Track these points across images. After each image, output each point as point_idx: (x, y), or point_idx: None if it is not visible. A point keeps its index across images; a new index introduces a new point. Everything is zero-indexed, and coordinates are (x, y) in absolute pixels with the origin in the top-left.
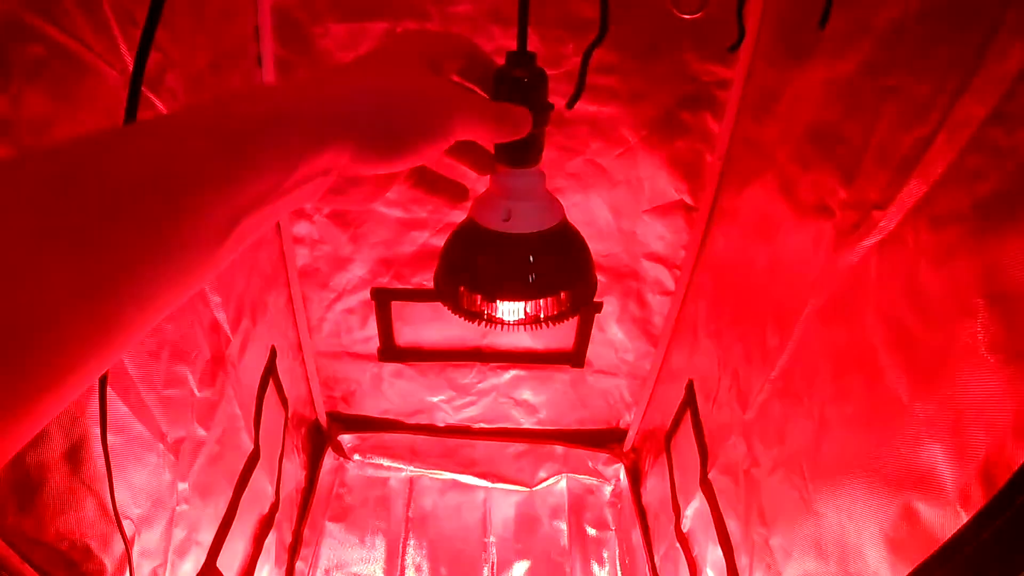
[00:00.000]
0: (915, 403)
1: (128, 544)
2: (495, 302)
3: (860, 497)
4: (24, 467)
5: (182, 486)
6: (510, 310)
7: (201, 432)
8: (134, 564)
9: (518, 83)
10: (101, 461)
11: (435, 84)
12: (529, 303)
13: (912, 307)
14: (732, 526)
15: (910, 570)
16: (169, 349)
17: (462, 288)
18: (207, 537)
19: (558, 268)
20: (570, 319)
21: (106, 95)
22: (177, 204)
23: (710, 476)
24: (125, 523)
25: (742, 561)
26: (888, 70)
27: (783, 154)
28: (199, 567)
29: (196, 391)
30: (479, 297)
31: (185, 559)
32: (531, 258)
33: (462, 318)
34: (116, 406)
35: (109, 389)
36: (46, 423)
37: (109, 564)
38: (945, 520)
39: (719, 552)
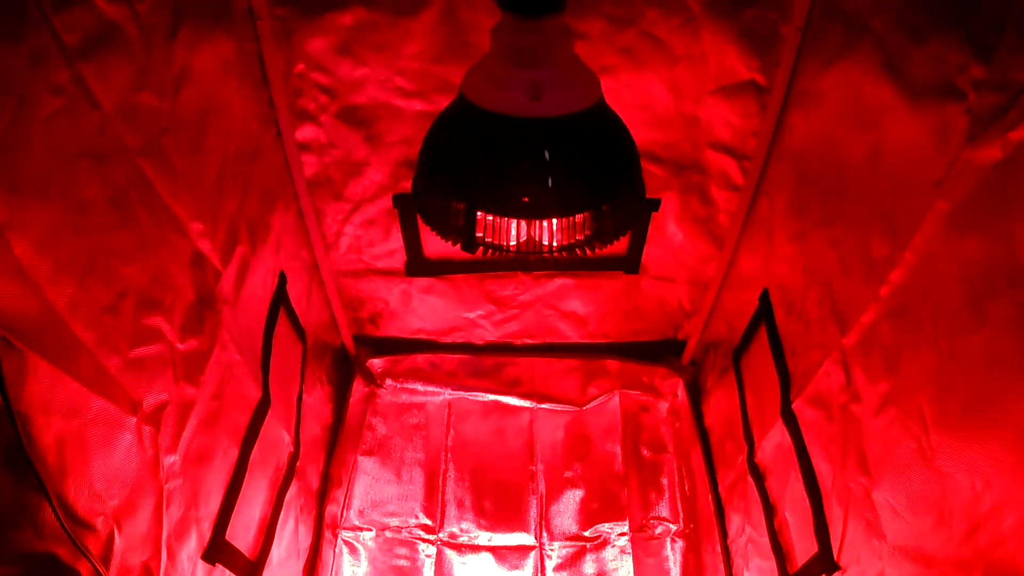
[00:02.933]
0: None
1: (86, 550)
2: (506, 221)
3: (1006, 462)
4: None
5: (170, 459)
6: (534, 232)
7: (189, 391)
8: (114, 563)
9: None
10: (55, 456)
11: None
12: (556, 222)
13: None
14: (822, 468)
15: None
16: (133, 299)
17: (455, 202)
18: (212, 510)
19: (600, 169)
20: (614, 242)
21: None
22: None
23: (794, 406)
24: (98, 519)
25: (834, 511)
26: None
27: (882, 23)
28: (204, 545)
29: (177, 344)
30: (483, 215)
31: (186, 541)
32: (561, 156)
33: (454, 244)
34: (63, 387)
35: (50, 368)
36: None
37: (85, 572)
38: None
39: (804, 497)
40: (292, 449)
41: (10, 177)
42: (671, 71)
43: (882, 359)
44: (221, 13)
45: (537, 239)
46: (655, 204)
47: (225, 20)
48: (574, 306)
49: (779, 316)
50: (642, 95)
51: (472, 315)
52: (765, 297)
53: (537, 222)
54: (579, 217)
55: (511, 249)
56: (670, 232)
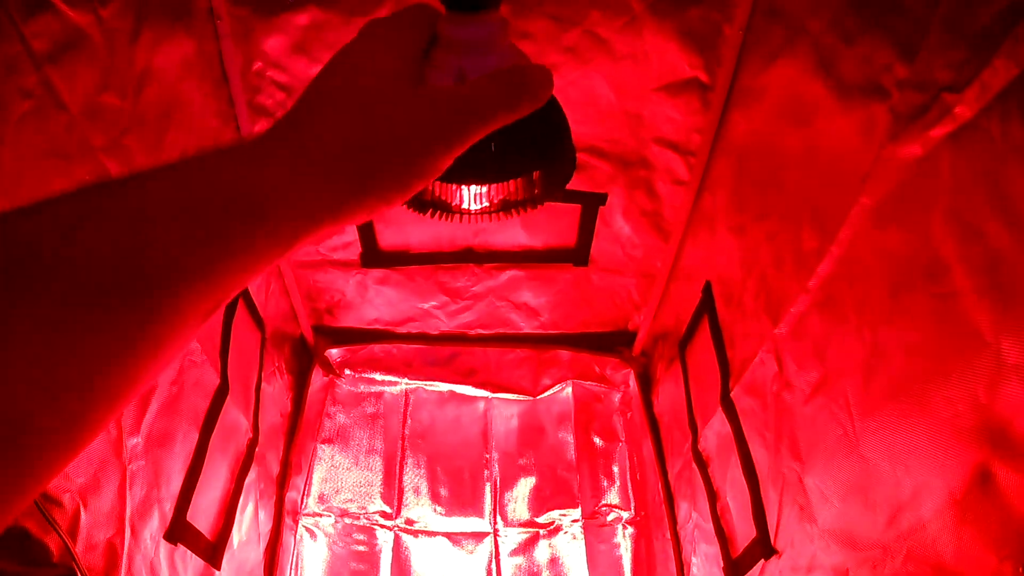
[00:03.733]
0: (1002, 339)
1: (55, 524)
2: (451, 187)
3: (922, 448)
4: None
5: (133, 441)
6: (470, 196)
7: None
8: (80, 538)
9: None
10: None
11: (423, 111)
12: (493, 187)
13: (999, 218)
14: (759, 454)
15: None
16: None
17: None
18: (173, 491)
19: (531, 142)
20: (543, 204)
21: None
22: (151, 302)
23: (733, 395)
24: (65, 496)
25: (771, 496)
26: None
27: (818, 23)
28: (167, 525)
29: None
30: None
31: (148, 520)
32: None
33: (409, 209)
34: None
35: None
36: (11, 520)
37: (53, 546)
38: None
39: (743, 483)
40: (251, 435)
41: None
42: (615, 69)
43: (811, 349)
44: (182, 13)
45: (478, 202)
46: (602, 199)
47: (186, 20)
48: (526, 297)
49: (720, 307)
50: (587, 93)
51: (426, 306)
52: (708, 289)
53: (477, 186)
54: (513, 183)
55: (457, 209)
56: (617, 226)
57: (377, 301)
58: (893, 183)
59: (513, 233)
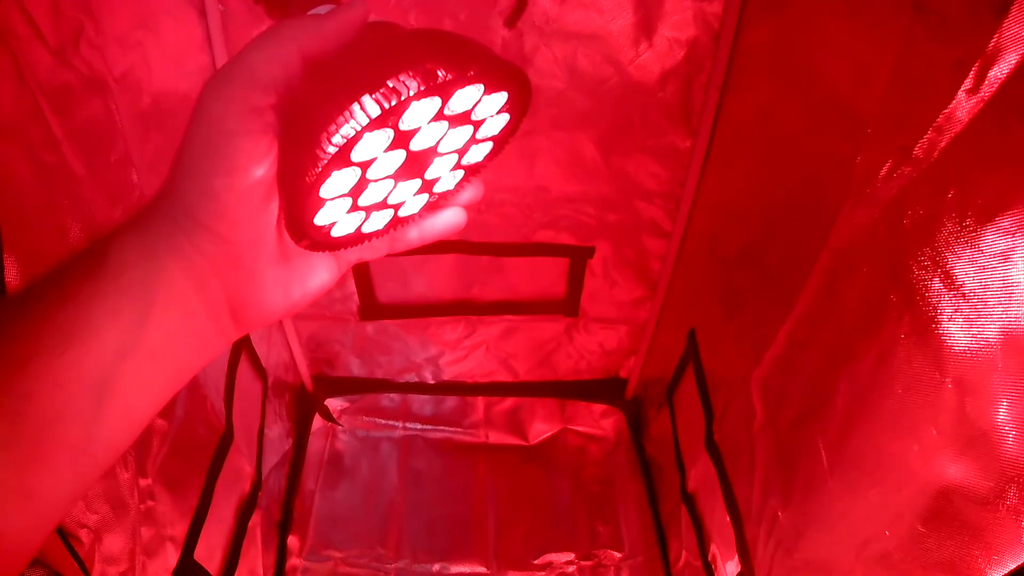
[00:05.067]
0: (947, 377)
1: (77, 556)
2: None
3: (887, 478)
4: None
5: (144, 482)
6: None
7: (161, 423)
8: (95, 571)
9: None
10: None
11: (214, 80)
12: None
13: (955, 260)
14: (741, 492)
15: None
16: None
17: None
18: (180, 531)
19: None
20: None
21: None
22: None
23: (716, 438)
24: (82, 530)
25: (753, 531)
26: None
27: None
28: (174, 563)
29: None
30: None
31: (157, 557)
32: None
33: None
34: None
35: None
36: None
37: None
38: (986, 515)
39: (727, 521)
40: (254, 478)
41: None
42: (599, 128)
43: (787, 390)
44: None
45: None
46: (590, 251)
47: None
48: (519, 347)
49: (703, 353)
50: (572, 151)
51: (423, 357)
52: (692, 337)
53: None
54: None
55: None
56: (606, 277)
57: (375, 352)
58: (860, 232)
59: (506, 285)
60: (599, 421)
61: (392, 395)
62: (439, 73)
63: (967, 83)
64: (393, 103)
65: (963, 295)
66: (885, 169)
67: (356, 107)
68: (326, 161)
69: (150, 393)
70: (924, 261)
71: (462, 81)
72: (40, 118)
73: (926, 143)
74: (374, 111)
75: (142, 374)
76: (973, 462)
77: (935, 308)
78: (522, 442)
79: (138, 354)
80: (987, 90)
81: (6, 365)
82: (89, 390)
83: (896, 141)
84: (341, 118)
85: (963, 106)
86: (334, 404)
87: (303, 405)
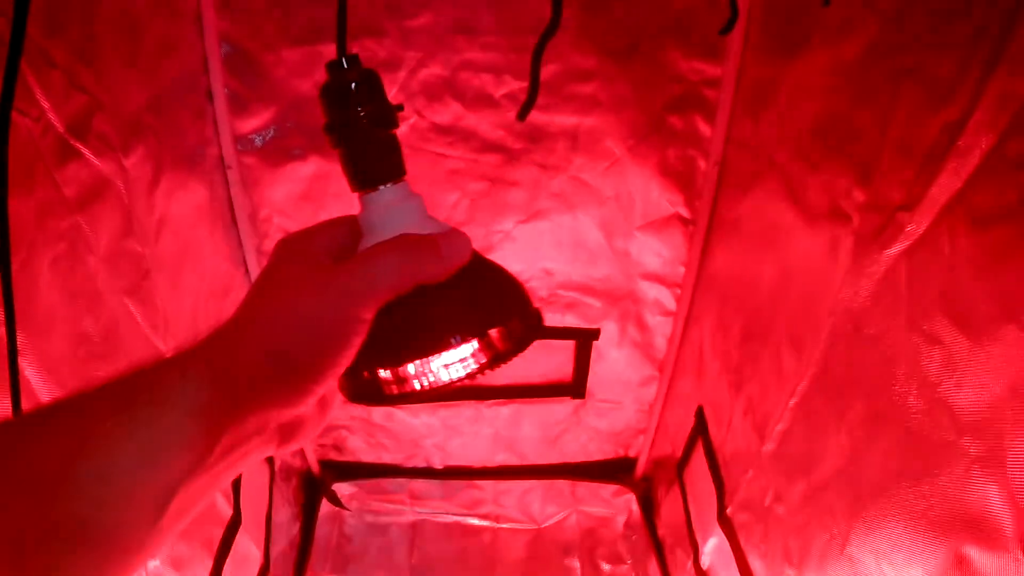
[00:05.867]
0: (964, 436)
1: None
2: (404, 369)
3: (902, 540)
4: None
5: (153, 563)
6: (427, 371)
7: None
8: None
9: (346, 92)
10: None
11: (332, 288)
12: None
13: (953, 322)
14: (757, 565)
15: None
16: None
17: (366, 373)
18: None
19: (469, 304)
20: (512, 359)
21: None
22: (91, 498)
23: (728, 512)
24: None
25: None
26: (901, 49)
27: (785, 155)
28: None
29: None
30: (397, 371)
31: None
32: (431, 304)
33: (387, 405)
34: None
35: None
36: None
37: None
38: (1003, 569)
39: None
40: (262, 563)
41: (22, 312)
42: (601, 211)
43: (796, 462)
44: (196, 162)
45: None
46: (595, 333)
47: (200, 169)
48: (527, 430)
49: (712, 430)
50: (576, 234)
51: (431, 441)
52: (700, 414)
53: (424, 359)
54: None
55: (423, 389)
56: (612, 358)
57: (382, 436)
58: (858, 301)
59: (513, 370)
60: (610, 501)
61: (400, 479)
62: (505, 351)
63: (957, 144)
64: (474, 368)
65: (967, 355)
66: (882, 236)
67: (444, 365)
68: (409, 396)
69: (201, 502)
70: (925, 326)
71: (517, 353)
72: None
73: (923, 206)
74: (457, 374)
75: (198, 492)
76: (983, 539)
77: (939, 371)
78: (533, 525)
79: (199, 480)
80: (978, 151)
81: (87, 479)
82: (152, 501)
83: (891, 206)
84: (437, 360)
85: (955, 168)
86: (341, 489)
87: (310, 490)
